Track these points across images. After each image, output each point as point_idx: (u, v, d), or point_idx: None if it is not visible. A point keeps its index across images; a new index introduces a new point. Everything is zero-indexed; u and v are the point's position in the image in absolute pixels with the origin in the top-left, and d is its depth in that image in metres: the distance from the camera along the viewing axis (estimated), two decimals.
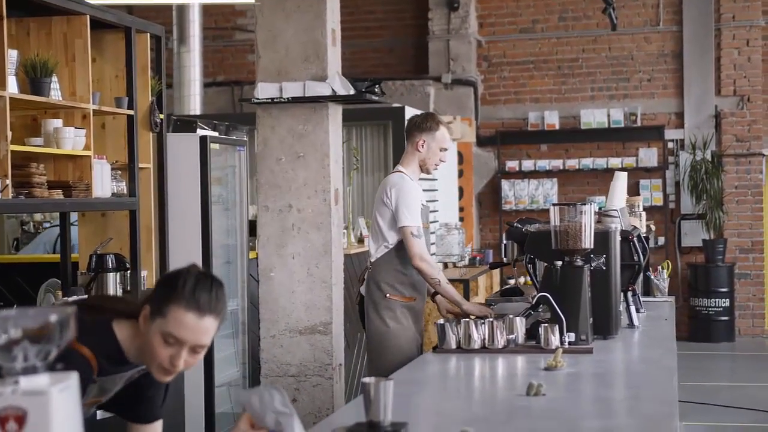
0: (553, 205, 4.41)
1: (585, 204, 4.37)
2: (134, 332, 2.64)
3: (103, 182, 5.23)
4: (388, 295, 5.14)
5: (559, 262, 4.36)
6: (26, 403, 1.71)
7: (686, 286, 12.43)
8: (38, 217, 8.66)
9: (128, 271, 5.51)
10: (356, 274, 7.59)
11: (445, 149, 5.27)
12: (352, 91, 5.72)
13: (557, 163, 12.66)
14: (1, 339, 1.73)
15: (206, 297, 2.55)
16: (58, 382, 1.75)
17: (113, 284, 5.36)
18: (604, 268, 4.48)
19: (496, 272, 11.06)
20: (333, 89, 5.68)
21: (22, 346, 1.74)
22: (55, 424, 1.72)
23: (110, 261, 5.36)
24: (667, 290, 6.39)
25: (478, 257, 10.87)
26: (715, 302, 12.09)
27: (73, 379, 1.79)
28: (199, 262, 6.24)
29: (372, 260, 5.23)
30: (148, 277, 5.79)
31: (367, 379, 2.72)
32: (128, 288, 5.53)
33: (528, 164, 12.74)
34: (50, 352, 1.77)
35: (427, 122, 5.25)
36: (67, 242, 5.57)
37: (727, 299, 12.11)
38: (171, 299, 2.54)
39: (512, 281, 12.30)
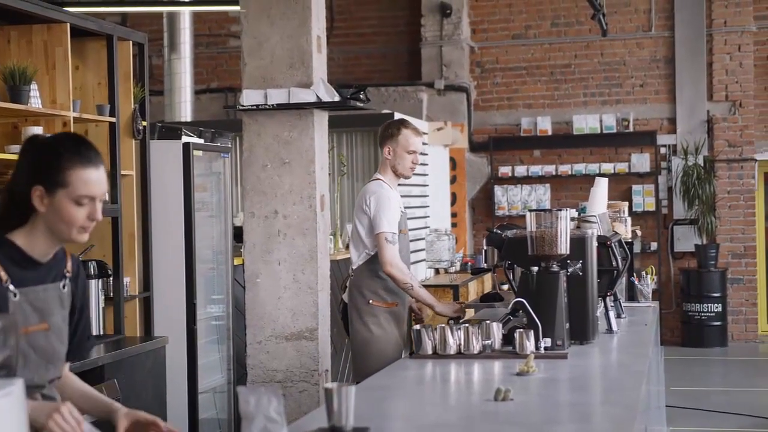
0: (530, 210, 4.43)
1: (561, 210, 4.38)
2: (30, 230, 2.69)
3: None
4: (371, 301, 5.22)
5: (535, 268, 4.37)
6: None
7: (679, 291, 12.44)
8: None
9: (110, 278, 5.52)
10: (343, 279, 7.61)
11: (413, 152, 5.33)
12: (336, 98, 5.74)
13: (550, 169, 12.68)
14: None
15: (90, 151, 2.69)
16: (1, 388, 1.77)
17: (95, 291, 5.37)
18: (581, 273, 4.50)
19: (488, 278, 11.07)
20: (318, 96, 5.70)
21: None
22: None
23: (92, 268, 5.38)
24: (650, 296, 6.39)
25: (470, 263, 10.88)
26: (708, 307, 12.10)
27: (17, 385, 1.81)
28: (183, 269, 6.27)
29: (353, 267, 5.32)
30: (131, 283, 5.81)
31: (328, 385, 2.74)
32: (111, 295, 5.55)
33: (521, 170, 12.76)
34: None
35: (388, 129, 5.36)
36: None
37: (720, 304, 12.12)
38: (64, 168, 2.63)
39: (505, 287, 12.31)
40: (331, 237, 8.20)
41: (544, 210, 4.42)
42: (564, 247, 4.36)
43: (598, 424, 3.00)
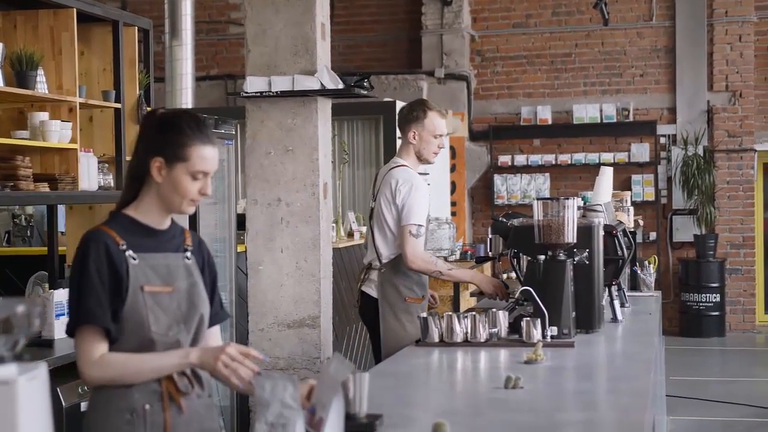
0: (537, 199, 4.42)
1: (568, 199, 4.38)
2: (140, 203, 2.84)
3: (90, 175, 5.24)
4: (407, 299, 5.03)
5: (542, 257, 4.37)
6: None
7: (677, 281, 12.46)
8: (30, 209, 8.67)
9: None
10: (345, 268, 7.61)
11: (439, 135, 5.11)
12: (340, 86, 5.73)
13: (550, 158, 12.68)
14: None
15: (208, 130, 2.86)
16: (26, 371, 1.77)
17: None
18: (587, 262, 4.50)
19: (488, 266, 11.08)
20: (322, 83, 5.69)
21: None
22: (22, 413, 1.74)
23: None
24: (653, 285, 6.40)
25: (469, 252, 10.89)
26: (706, 297, 12.12)
27: (41, 369, 1.81)
28: None
29: (383, 261, 5.07)
30: None
31: None
32: None
33: (520, 159, 12.76)
34: (18, 342, 1.79)
35: (413, 112, 5.13)
36: (54, 234, 5.58)
37: (718, 294, 12.15)
38: (185, 144, 2.79)
39: (505, 276, 12.32)
40: (333, 225, 8.20)
41: (552, 198, 4.42)
42: (571, 236, 4.36)
43: (609, 412, 3.01)
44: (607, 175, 5.48)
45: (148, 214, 2.84)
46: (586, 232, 4.51)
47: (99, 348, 2.74)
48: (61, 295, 5.07)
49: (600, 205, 5.12)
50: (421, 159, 5.16)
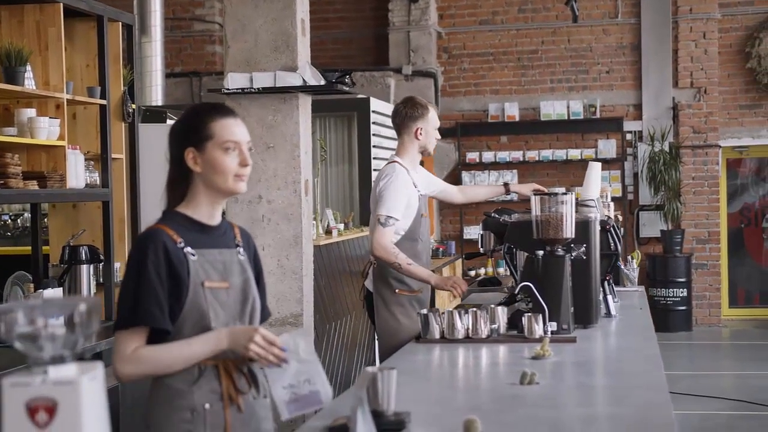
0: (535, 194, 4.42)
1: (566, 194, 4.38)
2: (190, 199, 2.83)
3: (77, 173, 5.16)
4: (397, 290, 5.07)
5: (541, 252, 4.37)
6: (56, 393, 1.69)
7: (644, 276, 12.54)
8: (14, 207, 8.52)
9: (102, 263, 5.44)
10: (324, 265, 7.57)
11: (437, 127, 5.30)
12: (322, 82, 5.71)
13: (517, 155, 12.72)
14: (29, 329, 1.71)
15: (224, 106, 2.89)
16: (87, 371, 1.73)
17: (86, 276, 5.29)
18: (585, 257, 4.50)
19: (459, 263, 11.11)
20: (304, 80, 5.66)
21: (50, 336, 1.72)
22: (85, 413, 1.70)
23: (84, 253, 5.29)
24: (636, 280, 6.43)
25: (440, 249, 10.91)
26: (673, 292, 12.23)
27: (99, 369, 1.77)
28: None
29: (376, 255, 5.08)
30: (122, 268, 5.72)
31: (371, 369, 2.72)
32: (101, 280, 5.47)
33: (488, 156, 12.78)
34: (78, 341, 1.75)
35: (417, 110, 5.20)
36: (38, 233, 5.49)
37: (685, 289, 12.26)
38: (206, 123, 2.80)
39: (472, 273, 12.34)
40: (313, 223, 8.16)
41: (549, 194, 4.41)
42: (569, 231, 4.36)
43: (635, 407, 2.99)
44: (595, 171, 5.49)
45: (198, 209, 2.83)
46: (583, 227, 4.52)
47: (135, 344, 2.72)
48: (50, 295, 5.00)
49: (592, 200, 5.14)
50: (424, 153, 5.26)
